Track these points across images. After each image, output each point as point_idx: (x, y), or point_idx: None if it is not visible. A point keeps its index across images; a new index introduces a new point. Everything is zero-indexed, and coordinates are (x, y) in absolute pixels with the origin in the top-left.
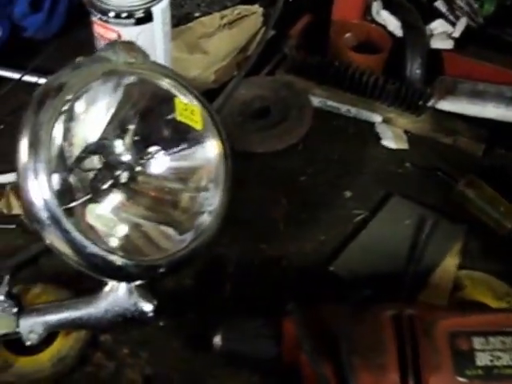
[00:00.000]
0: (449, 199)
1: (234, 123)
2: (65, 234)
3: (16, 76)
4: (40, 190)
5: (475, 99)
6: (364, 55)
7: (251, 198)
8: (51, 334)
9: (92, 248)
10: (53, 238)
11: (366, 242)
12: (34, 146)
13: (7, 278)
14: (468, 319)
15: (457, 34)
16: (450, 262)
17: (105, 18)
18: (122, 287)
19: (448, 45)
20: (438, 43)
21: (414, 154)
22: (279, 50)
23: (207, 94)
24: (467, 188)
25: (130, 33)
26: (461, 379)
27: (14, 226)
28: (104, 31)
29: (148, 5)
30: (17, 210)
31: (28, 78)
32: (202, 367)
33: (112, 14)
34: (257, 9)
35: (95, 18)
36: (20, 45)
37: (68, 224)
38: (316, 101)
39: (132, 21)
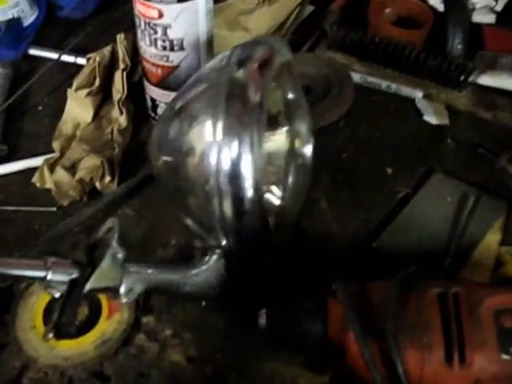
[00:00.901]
0: (490, 175)
1: None
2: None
3: (54, 56)
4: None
5: None
6: (405, 30)
7: None
8: (94, 317)
9: None
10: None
11: (408, 219)
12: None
13: (117, 223)
14: None
15: (499, 8)
16: (492, 238)
17: None
18: (217, 256)
19: (490, 19)
20: (480, 17)
21: (455, 130)
22: (319, 26)
23: None
24: (509, 163)
25: (172, 10)
26: (505, 356)
27: (54, 209)
28: (145, 9)
29: None
30: (50, 184)
31: (65, 58)
32: (245, 347)
33: None
34: None
35: None
36: (57, 24)
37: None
38: (357, 77)
39: None
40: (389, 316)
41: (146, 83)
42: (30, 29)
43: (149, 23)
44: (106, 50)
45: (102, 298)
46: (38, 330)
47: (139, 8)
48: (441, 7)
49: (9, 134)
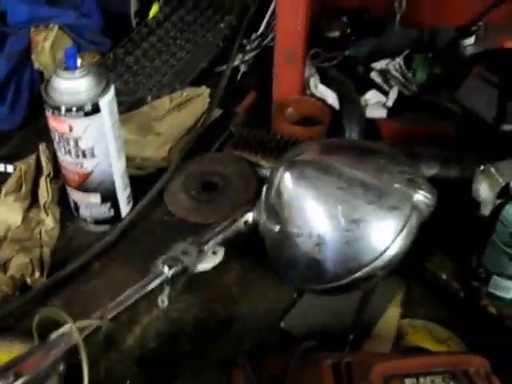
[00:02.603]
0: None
1: (188, 196)
2: None
3: None
4: None
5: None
6: (304, 128)
7: None
8: None
9: None
10: None
11: (313, 299)
12: None
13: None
14: (401, 363)
15: (390, 103)
16: (393, 312)
17: (57, 112)
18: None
19: (382, 114)
20: (372, 112)
21: None
22: (227, 127)
23: (159, 172)
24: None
25: (80, 124)
26: None
27: None
28: (57, 124)
29: (95, 99)
30: None
31: None
32: None
33: (63, 109)
34: (203, 90)
35: (49, 113)
36: None
37: None
38: (264, 172)
39: (81, 113)
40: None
41: (67, 187)
42: None
43: (62, 136)
44: (31, 159)
45: None
46: None
47: (52, 123)
48: (337, 104)
49: None
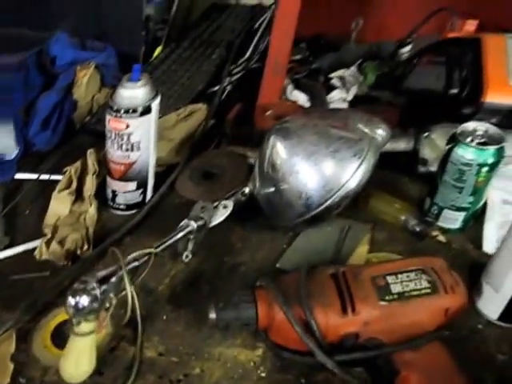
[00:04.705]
0: (356, 208)
1: (193, 183)
2: None
3: (32, 177)
4: None
5: None
6: None
7: (214, 229)
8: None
9: None
10: None
11: (301, 244)
12: None
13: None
14: (382, 266)
15: (350, 98)
16: (362, 249)
17: (119, 114)
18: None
19: (344, 105)
20: (336, 105)
21: None
22: (220, 131)
23: (171, 167)
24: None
25: (134, 122)
26: (383, 303)
27: (48, 273)
28: (117, 124)
29: (149, 102)
30: (46, 255)
31: (42, 177)
32: (199, 340)
33: (123, 111)
34: (201, 106)
35: (111, 116)
36: (31, 156)
37: None
38: (251, 160)
39: (137, 114)
40: (301, 288)
41: (109, 179)
42: (14, 160)
43: (118, 133)
44: (78, 163)
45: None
46: (49, 348)
47: (112, 124)
48: (307, 104)
49: (8, 232)
